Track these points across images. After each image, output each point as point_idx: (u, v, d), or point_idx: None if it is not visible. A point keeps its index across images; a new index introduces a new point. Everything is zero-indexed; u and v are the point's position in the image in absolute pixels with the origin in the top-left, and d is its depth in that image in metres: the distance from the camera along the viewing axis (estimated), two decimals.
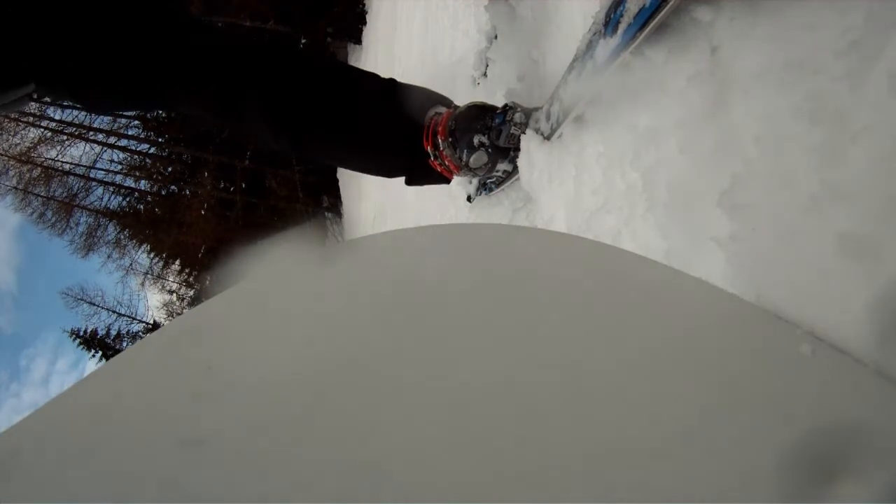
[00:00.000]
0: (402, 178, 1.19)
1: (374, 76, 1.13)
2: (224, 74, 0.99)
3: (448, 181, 1.18)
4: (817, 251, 0.38)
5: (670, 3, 0.49)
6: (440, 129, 1.05)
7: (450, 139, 1.03)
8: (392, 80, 1.11)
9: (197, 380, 0.33)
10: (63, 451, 0.28)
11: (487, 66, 1.14)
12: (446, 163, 1.07)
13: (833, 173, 0.38)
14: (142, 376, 0.34)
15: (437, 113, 1.08)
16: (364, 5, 7.90)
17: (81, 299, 14.83)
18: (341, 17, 8.40)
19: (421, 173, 1.14)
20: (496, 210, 1.33)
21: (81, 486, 0.26)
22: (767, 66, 0.46)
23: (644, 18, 0.53)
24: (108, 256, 14.76)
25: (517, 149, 1.00)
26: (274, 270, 0.41)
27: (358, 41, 8.34)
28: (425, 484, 0.26)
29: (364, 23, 7.94)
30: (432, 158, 1.08)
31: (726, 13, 0.51)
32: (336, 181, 10.49)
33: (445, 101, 1.13)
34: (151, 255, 14.73)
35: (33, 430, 0.30)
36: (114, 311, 15.02)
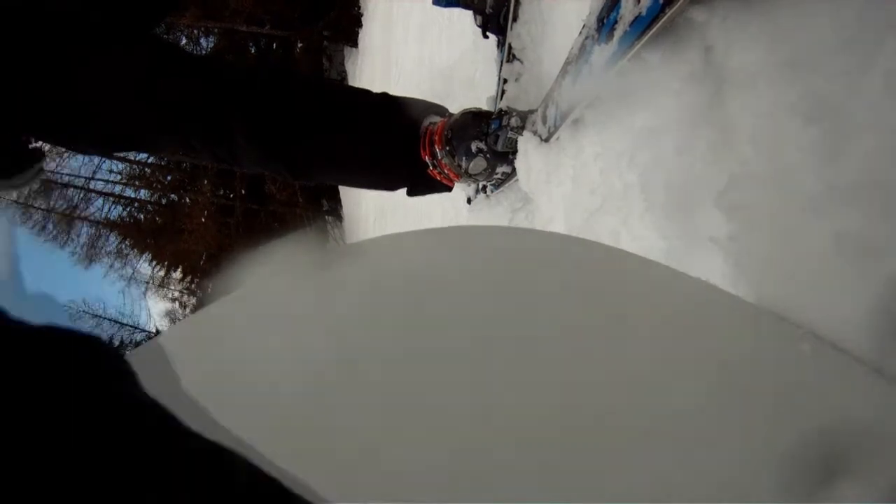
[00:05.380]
0: (404, 190, 1.19)
1: (366, 92, 1.13)
2: (206, 113, 0.99)
3: (449, 189, 1.18)
4: (816, 251, 0.38)
5: (667, 14, 0.49)
6: (437, 138, 1.05)
7: (447, 148, 1.04)
8: (384, 94, 1.11)
9: (197, 381, 0.33)
10: None
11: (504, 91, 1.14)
12: (445, 171, 1.08)
13: (830, 172, 0.38)
14: (143, 378, 0.34)
15: (432, 122, 1.08)
16: (360, 8, 7.90)
17: (84, 311, 14.84)
18: (337, 21, 8.40)
19: (422, 184, 1.14)
20: (496, 211, 1.33)
21: None
22: (762, 65, 0.46)
23: (641, 28, 0.53)
24: (110, 266, 14.77)
25: (515, 152, 1.01)
26: (275, 274, 0.41)
27: (354, 44, 8.33)
28: (425, 483, 0.27)
29: (360, 25, 7.94)
30: (431, 168, 1.09)
31: (720, 13, 0.51)
32: (334, 185, 10.46)
33: (439, 110, 1.13)
34: (153, 264, 14.74)
35: None
36: (116, 322, 15.03)
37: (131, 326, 15.23)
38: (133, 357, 0.36)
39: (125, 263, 14.86)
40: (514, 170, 1.05)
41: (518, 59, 1.14)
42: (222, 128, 1.00)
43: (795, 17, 0.44)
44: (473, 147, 1.03)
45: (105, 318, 14.97)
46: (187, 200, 13.15)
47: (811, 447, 0.27)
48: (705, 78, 0.52)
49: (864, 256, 0.35)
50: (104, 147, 1.06)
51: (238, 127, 1.00)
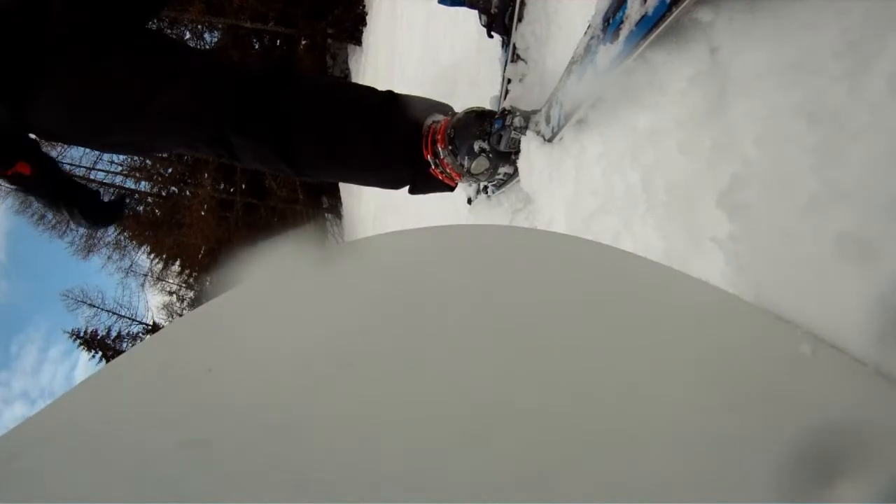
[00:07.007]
0: (406, 189, 1.19)
1: (371, 90, 1.13)
2: (207, 115, 0.99)
3: (451, 188, 1.18)
4: (817, 251, 0.38)
5: (674, 14, 0.49)
6: (439, 137, 1.05)
7: (450, 147, 1.04)
8: (389, 92, 1.11)
9: (197, 381, 0.33)
10: (64, 453, 0.28)
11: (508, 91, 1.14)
12: (448, 170, 1.07)
13: (832, 173, 0.38)
14: (142, 378, 0.34)
15: (435, 121, 1.08)
16: (364, 6, 7.91)
17: (82, 301, 14.83)
18: (341, 19, 8.41)
19: (424, 182, 1.14)
20: (496, 211, 1.33)
21: (82, 487, 0.27)
22: (767, 67, 0.46)
23: (647, 27, 0.52)
24: (109, 258, 14.77)
25: (518, 152, 1.01)
26: (274, 272, 0.41)
27: (358, 42, 8.34)
28: (424, 484, 0.26)
29: (364, 24, 7.94)
30: (433, 167, 1.08)
31: (725, 13, 0.51)
32: (336, 182, 10.45)
33: (443, 109, 1.13)
34: (151, 257, 14.74)
35: (34, 432, 0.30)
36: (114, 313, 15.01)
37: (129, 318, 15.23)
38: (133, 355, 0.36)
39: (123, 255, 14.87)
40: (516, 170, 1.05)
41: (522, 59, 1.14)
42: (222, 126, 1.00)
43: (800, 19, 0.44)
44: (476, 146, 1.03)
45: (103, 309, 14.96)
46: (187, 193, 13.15)
47: (811, 447, 0.27)
48: (710, 78, 0.52)
49: (865, 257, 0.35)
50: (104, 149, 1.08)
51: (239, 124, 1.00)
